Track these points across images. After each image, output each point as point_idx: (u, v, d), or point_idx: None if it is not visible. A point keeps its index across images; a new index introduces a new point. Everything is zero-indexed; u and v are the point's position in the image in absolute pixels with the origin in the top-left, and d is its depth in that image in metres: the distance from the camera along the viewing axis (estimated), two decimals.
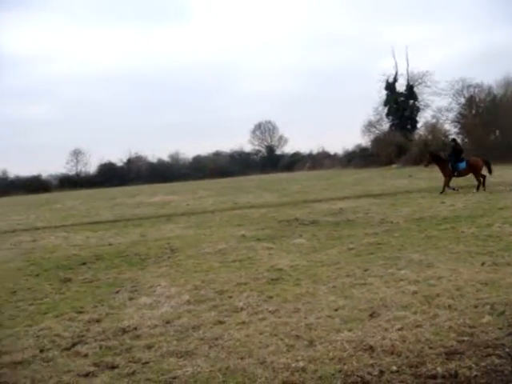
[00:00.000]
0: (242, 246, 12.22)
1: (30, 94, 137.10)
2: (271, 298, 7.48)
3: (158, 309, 7.32)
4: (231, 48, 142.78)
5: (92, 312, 7.47)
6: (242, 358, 5.25)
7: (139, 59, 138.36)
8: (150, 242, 14.22)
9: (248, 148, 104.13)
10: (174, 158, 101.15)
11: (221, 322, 6.50)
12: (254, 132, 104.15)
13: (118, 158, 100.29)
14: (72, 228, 20.29)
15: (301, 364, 4.97)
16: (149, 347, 5.81)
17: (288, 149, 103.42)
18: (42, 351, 6.03)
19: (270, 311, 6.80)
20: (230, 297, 7.68)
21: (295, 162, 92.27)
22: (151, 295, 8.15)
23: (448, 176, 23.32)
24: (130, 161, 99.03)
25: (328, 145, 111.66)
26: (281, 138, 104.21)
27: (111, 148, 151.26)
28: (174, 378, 4.93)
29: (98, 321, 7.02)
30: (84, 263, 11.70)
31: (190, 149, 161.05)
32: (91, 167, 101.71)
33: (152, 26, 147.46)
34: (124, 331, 6.47)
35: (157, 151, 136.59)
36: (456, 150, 23.84)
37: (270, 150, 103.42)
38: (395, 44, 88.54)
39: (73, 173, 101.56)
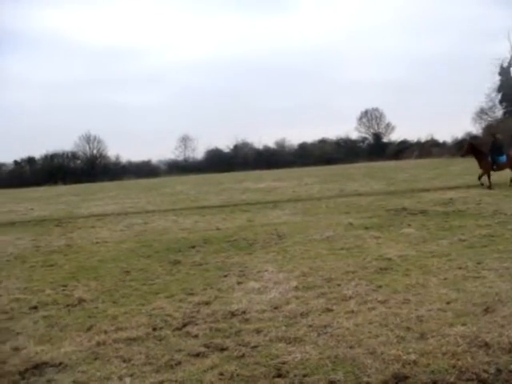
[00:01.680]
0: (349, 234, 12.11)
1: (141, 82, 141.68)
2: (380, 287, 7.35)
3: (266, 294, 7.38)
4: (337, 35, 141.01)
5: (201, 294, 7.64)
6: (351, 347, 5.20)
7: (246, 46, 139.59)
8: (257, 228, 14.37)
9: (354, 135, 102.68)
10: (280, 145, 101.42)
11: (329, 310, 6.47)
12: (360, 119, 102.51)
13: (225, 144, 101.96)
14: (181, 212, 20.85)
15: (412, 357, 4.84)
16: (258, 331, 5.86)
17: (395, 136, 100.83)
18: (154, 329, 6.24)
19: (379, 301, 6.68)
20: (339, 285, 7.62)
21: (402, 150, 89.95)
22: (259, 280, 8.22)
23: (486, 169, 22.49)
24: (236, 147, 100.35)
25: (437, 133, 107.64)
26: (388, 125, 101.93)
27: (218, 134, 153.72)
28: (283, 363, 4.94)
29: (207, 303, 7.17)
30: (193, 246, 11.99)
31: (296, 136, 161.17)
32: (199, 153, 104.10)
33: (259, 14, 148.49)
34: (233, 314, 6.57)
35: (263, 138, 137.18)
36: (496, 146, 22.96)
37: (377, 137, 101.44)
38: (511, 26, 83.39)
39: (181, 158, 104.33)
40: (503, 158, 22.45)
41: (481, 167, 23.00)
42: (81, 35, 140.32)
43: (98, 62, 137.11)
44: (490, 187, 21.68)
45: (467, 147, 23.98)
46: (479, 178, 22.61)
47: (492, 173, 22.45)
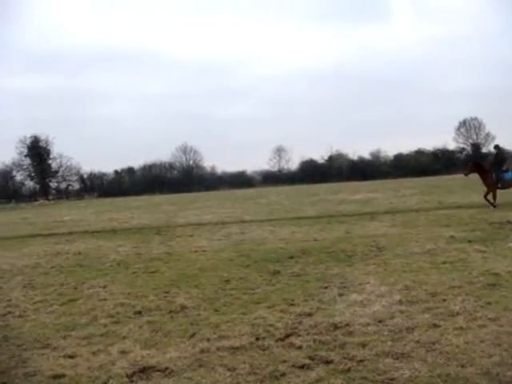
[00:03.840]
0: (451, 248, 11.69)
1: (236, 93, 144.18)
2: (489, 304, 7.01)
3: (369, 307, 7.21)
4: (433, 42, 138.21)
5: (303, 305, 7.56)
6: (462, 366, 4.96)
7: (340, 57, 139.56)
8: (355, 239, 14.15)
9: (452, 146, 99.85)
10: (375, 156, 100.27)
11: (436, 326, 6.23)
12: (458, 129, 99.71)
13: (320, 155, 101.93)
14: (277, 222, 20.89)
15: None
16: (363, 345, 5.72)
17: None
18: (257, 339, 6.22)
19: (489, 318, 6.37)
20: (444, 300, 7.34)
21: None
22: (361, 293, 8.06)
23: (491, 187, 21.46)
24: (331, 158, 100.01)
25: None
26: (488, 135, 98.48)
27: (312, 145, 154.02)
28: (391, 379, 4.79)
29: (309, 314, 7.08)
30: (291, 257, 11.95)
31: (392, 147, 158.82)
32: (293, 164, 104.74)
33: (352, 24, 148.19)
34: (336, 327, 6.45)
35: (358, 149, 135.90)
36: (499, 158, 22.06)
37: (476, 147, 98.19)
38: None
39: (275, 169, 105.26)
40: (508, 175, 21.60)
41: (486, 185, 22.11)
42: (176, 50, 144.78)
43: (194, 75, 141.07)
44: (494, 205, 20.99)
45: (471, 166, 23.02)
46: (485, 196, 21.80)
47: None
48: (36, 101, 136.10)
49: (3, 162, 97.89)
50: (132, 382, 5.22)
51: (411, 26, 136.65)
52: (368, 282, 8.70)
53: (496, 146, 23.31)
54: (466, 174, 23.60)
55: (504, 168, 21.91)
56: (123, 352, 6.11)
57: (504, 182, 21.69)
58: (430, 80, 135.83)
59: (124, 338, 6.70)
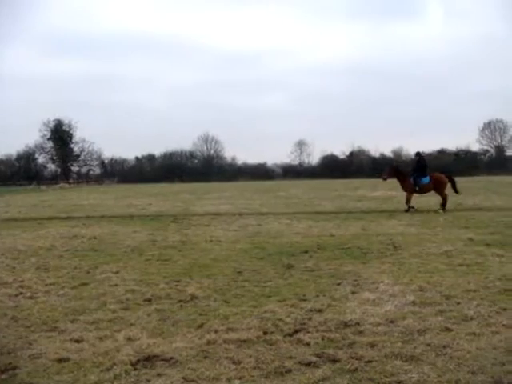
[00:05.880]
0: (469, 250, 11.51)
1: (261, 85, 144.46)
2: (505, 310, 6.83)
3: (381, 306, 7.08)
4: (462, 42, 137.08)
5: (314, 301, 7.45)
6: (473, 373, 4.81)
7: (366, 54, 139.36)
8: (371, 237, 14.01)
9: (475, 147, 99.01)
10: (397, 154, 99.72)
11: (448, 330, 6.07)
12: (482, 131, 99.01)
13: (341, 150, 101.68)
14: (294, 216, 20.79)
15: None
16: (372, 345, 5.59)
17: None
18: (265, 333, 6.12)
19: (504, 325, 6.19)
20: (458, 303, 7.18)
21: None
22: (374, 291, 7.93)
23: (409, 191, 21.91)
24: (352, 154, 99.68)
25: None
26: None
27: (334, 140, 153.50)
28: (399, 382, 4.66)
29: (319, 311, 6.97)
30: (306, 251, 11.85)
31: (414, 145, 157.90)
32: (314, 158, 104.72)
33: (381, 22, 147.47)
34: (346, 325, 6.34)
35: (380, 146, 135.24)
36: (420, 165, 22.16)
37: (500, 150, 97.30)
38: None
39: (296, 163, 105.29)
40: (426, 180, 21.88)
41: (404, 189, 22.49)
42: (206, 40, 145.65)
43: (221, 65, 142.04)
44: (407, 210, 21.44)
45: (389, 170, 23.27)
46: (406, 202, 22.00)
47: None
48: (61, 85, 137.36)
49: (26, 144, 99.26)
50: (136, 369, 5.15)
51: (440, 25, 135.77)
52: (382, 281, 8.56)
53: (417, 154, 23.37)
54: (384, 179, 23.52)
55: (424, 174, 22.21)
56: (129, 339, 6.05)
57: (421, 185, 22.01)
58: (455, 80, 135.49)
59: (131, 324, 6.64)
